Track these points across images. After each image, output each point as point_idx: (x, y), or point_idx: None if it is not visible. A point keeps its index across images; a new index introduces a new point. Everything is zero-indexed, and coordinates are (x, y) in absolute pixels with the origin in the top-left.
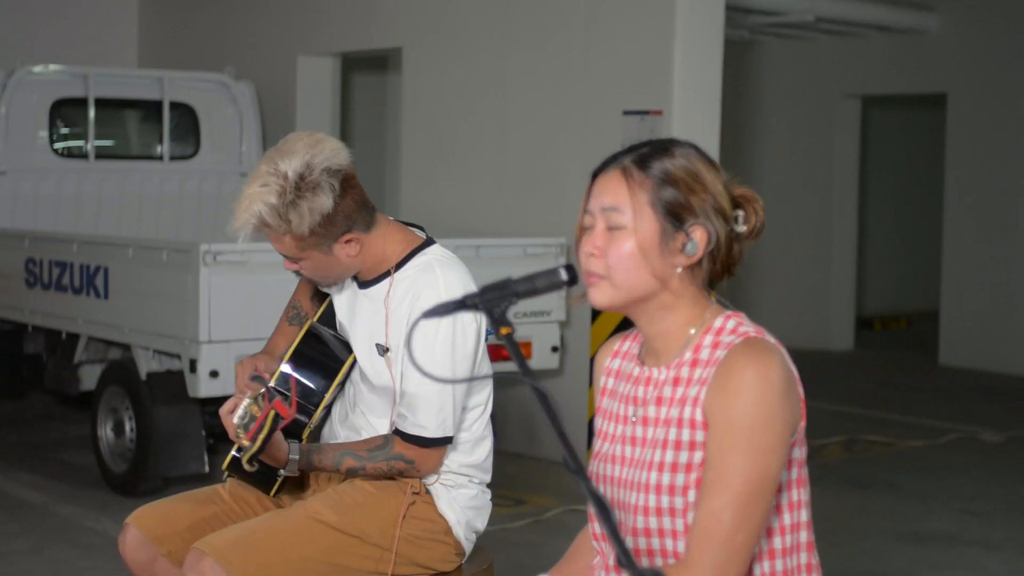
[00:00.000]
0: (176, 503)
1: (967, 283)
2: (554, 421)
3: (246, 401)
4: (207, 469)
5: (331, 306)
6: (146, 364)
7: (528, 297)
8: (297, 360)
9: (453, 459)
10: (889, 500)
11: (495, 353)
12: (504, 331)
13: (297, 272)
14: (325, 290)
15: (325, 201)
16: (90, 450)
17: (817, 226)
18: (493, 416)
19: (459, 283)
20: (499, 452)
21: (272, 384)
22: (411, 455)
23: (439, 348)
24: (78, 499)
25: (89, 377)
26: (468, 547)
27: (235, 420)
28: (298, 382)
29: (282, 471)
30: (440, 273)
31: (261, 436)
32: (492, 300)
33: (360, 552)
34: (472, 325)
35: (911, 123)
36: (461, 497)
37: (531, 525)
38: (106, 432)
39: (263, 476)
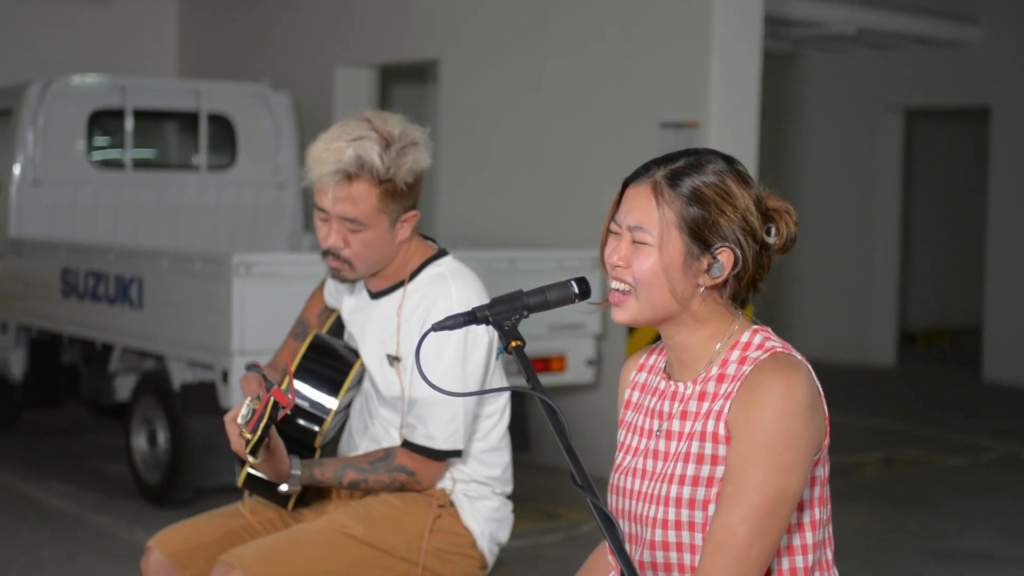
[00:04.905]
0: (197, 523)
1: (1011, 298)
2: (561, 436)
3: (247, 400)
4: (239, 484)
5: (338, 321)
6: (179, 375)
7: (539, 311)
8: (304, 367)
9: (475, 469)
10: (927, 518)
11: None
12: (514, 344)
13: (336, 257)
14: (333, 306)
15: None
16: (124, 460)
17: (860, 240)
18: (526, 429)
19: (472, 294)
20: (533, 466)
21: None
22: (414, 466)
23: (449, 360)
24: (111, 509)
25: (124, 387)
26: (491, 560)
27: (239, 419)
28: (304, 386)
29: (284, 485)
30: (453, 284)
31: (262, 424)
32: (502, 313)
33: (386, 565)
34: (484, 337)
35: (954, 136)
36: (484, 509)
37: (563, 540)
38: (140, 442)
39: (279, 491)
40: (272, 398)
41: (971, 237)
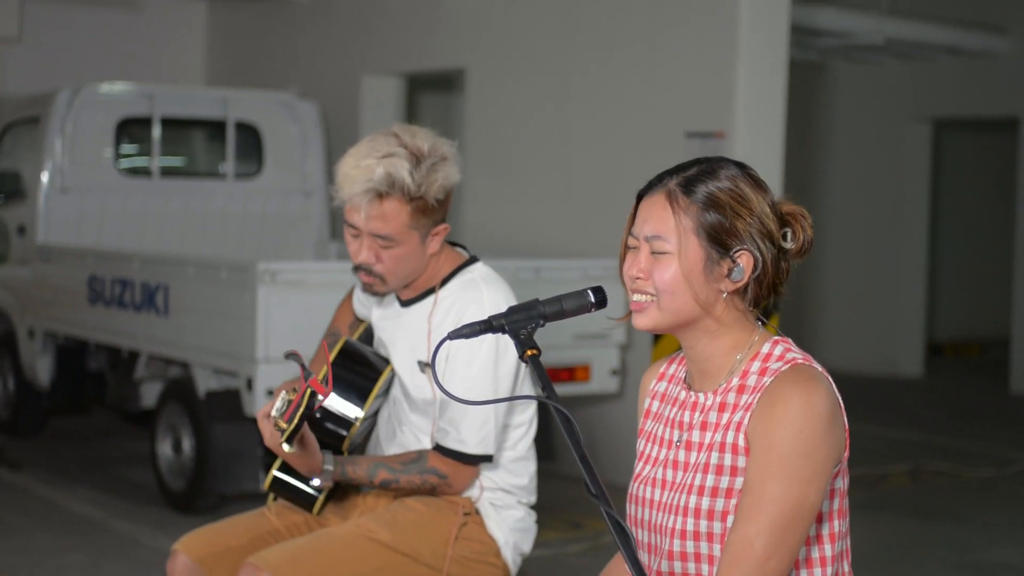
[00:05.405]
0: (223, 527)
1: None
2: (576, 445)
3: (282, 393)
4: (264, 488)
5: (368, 331)
6: (205, 382)
7: (555, 319)
8: (333, 373)
9: (502, 478)
10: (952, 530)
11: (550, 375)
12: (529, 353)
13: (368, 272)
14: (363, 316)
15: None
16: (149, 467)
17: (887, 250)
18: (550, 439)
19: (503, 300)
20: (557, 475)
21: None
22: (446, 470)
23: (480, 365)
24: (136, 515)
25: (149, 394)
26: (514, 569)
27: (274, 412)
28: (333, 391)
29: (316, 480)
30: (485, 290)
31: (298, 414)
32: (518, 322)
33: (411, 571)
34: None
35: (982, 146)
36: (509, 518)
37: (587, 550)
38: (165, 449)
39: (305, 495)
40: (309, 387)
41: (999, 247)
